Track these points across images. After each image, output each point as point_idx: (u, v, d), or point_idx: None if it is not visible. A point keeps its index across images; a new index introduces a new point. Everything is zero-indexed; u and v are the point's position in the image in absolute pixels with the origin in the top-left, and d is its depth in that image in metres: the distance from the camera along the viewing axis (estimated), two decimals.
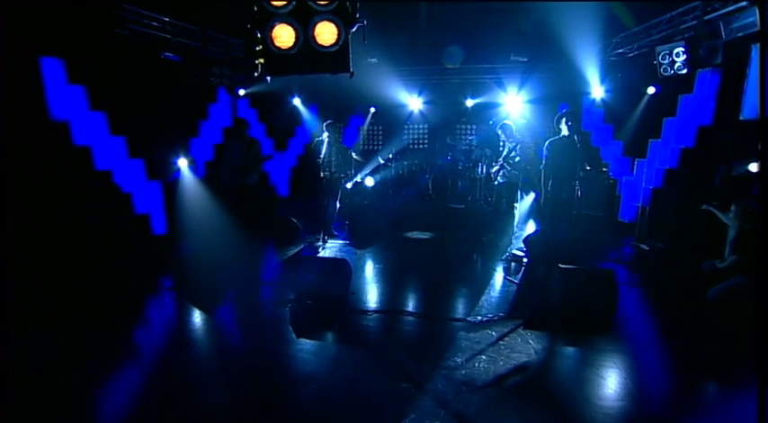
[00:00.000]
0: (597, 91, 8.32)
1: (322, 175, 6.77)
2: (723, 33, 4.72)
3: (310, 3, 2.46)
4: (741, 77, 4.98)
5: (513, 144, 6.39)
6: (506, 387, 2.95)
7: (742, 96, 4.83)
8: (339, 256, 6.10)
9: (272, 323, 4.07)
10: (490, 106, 10.06)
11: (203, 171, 7.35)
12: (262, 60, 2.44)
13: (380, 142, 11.40)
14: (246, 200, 6.19)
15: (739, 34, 4.77)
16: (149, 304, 4.52)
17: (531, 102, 9.64)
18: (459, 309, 4.48)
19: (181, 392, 2.95)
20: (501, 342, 3.58)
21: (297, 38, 2.47)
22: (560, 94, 9.24)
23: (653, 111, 7.16)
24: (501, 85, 9.68)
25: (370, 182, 9.08)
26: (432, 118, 10.80)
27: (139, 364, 3.38)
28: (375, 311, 4.25)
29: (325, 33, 2.44)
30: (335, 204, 7.14)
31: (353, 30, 2.47)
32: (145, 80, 6.06)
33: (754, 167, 5.00)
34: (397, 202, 9.28)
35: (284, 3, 2.46)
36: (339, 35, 2.45)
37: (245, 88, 8.14)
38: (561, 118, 5.26)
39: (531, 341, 3.60)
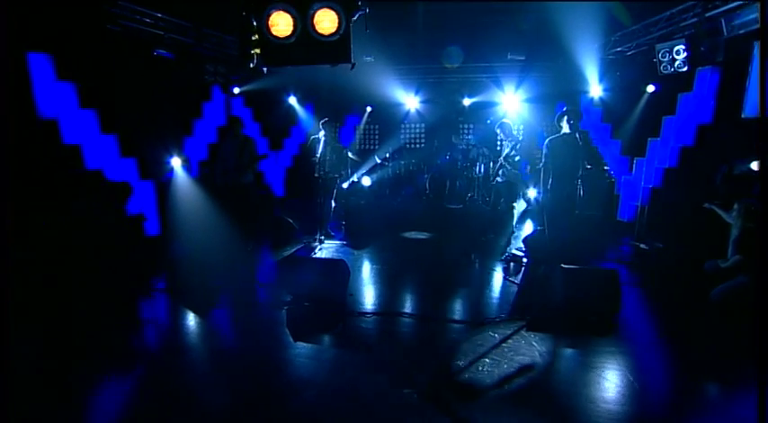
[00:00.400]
0: (595, 90, 8.27)
1: (316, 174, 6.65)
2: (725, 30, 4.66)
3: None
4: (742, 75, 4.93)
5: (513, 143, 6.32)
6: (511, 391, 2.86)
7: (744, 94, 4.78)
8: (336, 257, 5.99)
9: (268, 326, 3.95)
10: (487, 105, 10.01)
11: (197, 170, 7.22)
12: (258, 50, 2.32)
13: (377, 141, 11.30)
14: (241, 199, 6.06)
15: (741, 31, 4.72)
16: (142, 307, 4.39)
17: (529, 100, 9.60)
18: (460, 310, 4.40)
19: (173, 399, 2.83)
20: (504, 344, 3.49)
21: (295, 26, 2.34)
22: (558, 93, 9.19)
23: (652, 109, 7.13)
24: (498, 83, 9.62)
25: (366, 181, 8.98)
26: (429, 117, 10.72)
27: (130, 369, 3.25)
28: (374, 313, 4.15)
29: (325, 21, 2.31)
30: (331, 204, 7.02)
31: (355, 18, 2.34)
32: (137, 77, 5.92)
33: (755, 166, 4.95)
34: (394, 202, 9.19)
35: None
36: (340, 23, 2.32)
37: (239, 86, 8.02)
38: (563, 116, 5.18)
39: (534, 343, 3.51)
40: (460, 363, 3.20)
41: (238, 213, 5.93)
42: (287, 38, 2.34)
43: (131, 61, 5.82)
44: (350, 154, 8.81)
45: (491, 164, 8.36)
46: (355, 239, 7.00)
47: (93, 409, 2.81)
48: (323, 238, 6.80)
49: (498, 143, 9.99)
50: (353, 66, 2.44)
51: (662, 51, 5.84)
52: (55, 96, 4.84)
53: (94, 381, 3.03)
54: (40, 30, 4.61)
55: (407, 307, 4.39)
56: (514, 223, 6.96)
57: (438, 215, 8.38)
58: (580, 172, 5.04)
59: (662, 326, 4.11)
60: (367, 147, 11.25)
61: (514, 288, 5.13)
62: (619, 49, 7.36)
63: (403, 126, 11.14)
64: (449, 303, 4.57)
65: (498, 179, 6.57)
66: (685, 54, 5.57)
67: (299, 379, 3.08)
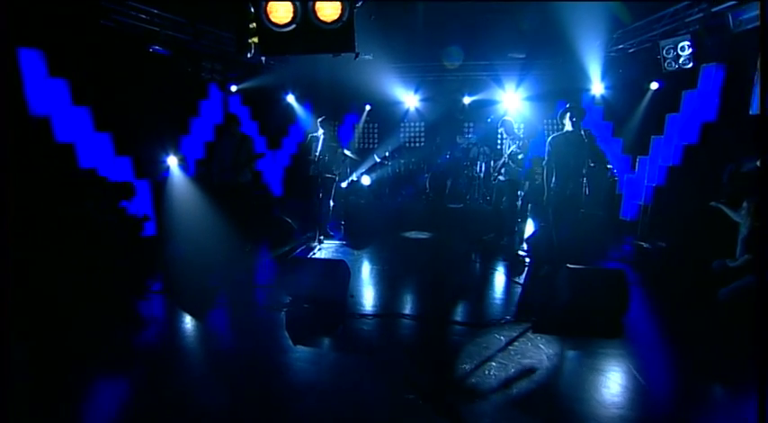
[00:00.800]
0: (597, 87, 8.18)
1: (312, 173, 6.54)
2: (732, 25, 4.57)
3: None
4: (749, 71, 4.84)
5: (517, 141, 6.23)
6: (520, 396, 2.76)
7: (752, 90, 4.69)
8: (336, 257, 5.88)
9: (266, 328, 3.84)
10: (488, 103, 9.91)
11: (194, 169, 7.09)
12: (255, 39, 2.19)
13: (376, 140, 11.18)
14: (239, 199, 5.94)
15: (749, 26, 4.62)
16: (137, 309, 4.26)
17: (530, 99, 9.51)
18: (464, 311, 4.30)
19: (169, 404, 2.72)
20: (510, 347, 3.39)
21: (295, 13, 2.20)
22: (559, 91, 9.11)
23: (655, 107, 7.04)
24: (499, 82, 9.53)
25: (366, 181, 8.87)
26: (428, 116, 10.61)
27: (124, 374, 3.14)
28: (375, 315, 4.04)
29: (327, 8, 2.18)
30: (329, 203, 6.91)
31: (359, 4, 2.22)
32: (132, 74, 5.79)
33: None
34: (394, 202, 9.08)
35: None
36: (343, 10, 2.19)
37: (236, 84, 7.89)
38: (565, 113, 5.08)
39: (541, 346, 3.41)
40: (466, 366, 3.09)
41: (236, 213, 5.81)
42: (286, 25, 2.21)
43: (126, 58, 5.68)
44: (348, 153, 8.71)
45: (492, 162, 8.27)
46: (355, 239, 6.90)
47: (85, 414, 2.70)
48: (322, 238, 6.69)
49: (499, 141, 9.92)
50: (357, 55, 2.32)
51: (666, 48, 5.74)
52: (47, 93, 4.71)
53: (87, 385, 2.92)
54: (32, 25, 4.48)
55: (409, 308, 4.29)
56: (517, 222, 6.87)
57: (438, 214, 8.31)
58: (584, 170, 4.93)
59: (670, 327, 4.02)
60: (366, 146, 11.13)
61: (518, 288, 5.04)
62: (621, 47, 7.28)
63: (402, 125, 11.02)
64: (451, 304, 4.46)
65: (500, 178, 6.46)
66: (690, 50, 5.48)
67: (299, 383, 2.97)
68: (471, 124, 10.63)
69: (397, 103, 10.42)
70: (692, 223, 5.72)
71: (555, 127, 9.80)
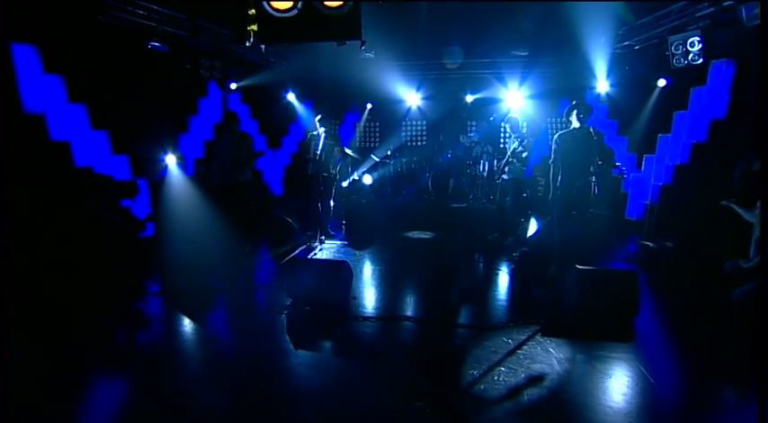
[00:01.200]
0: (602, 85, 8.06)
1: (310, 172, 6.42)
2: (745, 19, 4.45)
3: None
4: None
5: (521, 138, 6.11)
6: (531, 404, 2.64)
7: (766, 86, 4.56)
8: (338, 258, 5.77)
9: (266, 332, 3.72)
10: (490, 102, 9.80)
11: (193, 168, 6.98)
12: (254, 27, 2.07)
13: (377, 139, 11.06)
14: (239, 198, 5.83)
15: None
16: (134, 311, 4.15)
17: (533, 97, 9.39)
18: (469, 314, 4.19)
19: (164, 410, 2.61)
20: (519, 351, 3.27)
21: None
22: (563, 89, 8.99)
23: (663, 104, 6.92)
24: (501, 80, 9.41)
25: (368, 179, 8.75)
26: (430, 114, 10.49)
27: (120, 377, 3.03)
28: (379, 318, 3.92)
29: None
30: (330, 203, 6.78)
31: None
32: (129, 71, 5.68)
33: None
34: (396, 201, 8.97)
35: None
36: None
37: (236, 82, 7.77)
38: (572, 110, 4.96)
39: (551, 349, 3.30)
40: (474, 372, 2.98)
41: (236, 213, 5.70)
42: (287, 11, 2.08)
43: (123, 54, 5.57)
44: (349, 151, 8.59)
45: (495, 161, 8.16)
46: (356, 240, 6.79)
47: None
48: (323, 238, 6.58)
49: (502, 140, 9.80)
50: (363, 43, 2.19)
51: (675, 43, 5.62)
52: (41, 90, 4.59)
53: (80, 389, 2.81)
54: (26, 20, 4.37)
55: (413, 311, 4.18)
56: (521, 221, 6.75)
57: (441, 214, 8.19)
58: (592, 168, 4.81)
59: (683, 330, 3.90)
60: (367, 144, 11.01)
61: (524, 289, 4.93)
62: (627, 43, 7.16)
63: (404, 123, 10.90)
64: (456, 306, 4.35)
65: (504, 176, 6.34)
66: (700, 46, 5.36)
67: (300, 390, 2.86)
68: (474, 123, 10.51)
69: (399, 102, 10.30)
70: (700, 223, 5.60)
71: (558, 125, 9.70)
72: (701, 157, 6.17)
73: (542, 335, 3.55)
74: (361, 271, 5.31)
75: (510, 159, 6.13)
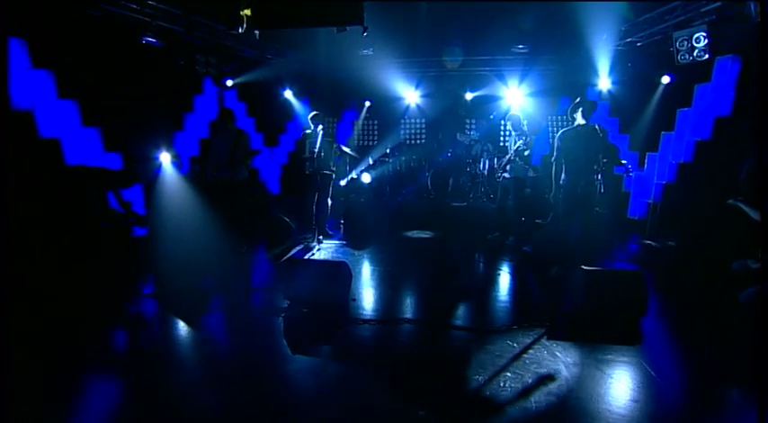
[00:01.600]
0: (604, 82, 7.95)
1: (308, 171, 6.29)
2: (754, 14, 4.35)
3: None
4: None
5: (523, 136, 6.00)
6: (539, 412, 2.52)
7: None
8: (336, 258, 5.65)
9: (263, 335, 3.60)
10: (490, 100, 9.69)
11: (188, 167, 6.84)
12: (248, 12, 1.93)
13: (376, 138, 10.93)
14: (235, 197, 5.70)
15: None
16: (126, 314, 4.01)
17: (533, 95, 9.28)
18: (472, 316, 4.07)
19: (156, 420, 2.48)
20: (525, 355, 3.16)
21: None
22: (564, 87, 8.89)
23: (666, 102, 6.82)
24: (502, 77, 9.30)
25: (366, 178, 8.62)
26: (429, 112, 10.37)
27: (109, 384, 2.90)
28: (379, 321, 3.79)
29: None
30: (328, 201, 6.65)
31: None
32: (122, 67, 5.54)
33: None
34: (395, 200, 8.84)
35: None
36: None
37: (232, 79, 7.64)
38: (577, 107, 4.85)
39: (558, 353, 3.18)
40: (479, 377, 2.86)
41: (231, 212, 5.57)
42: None
43: (116, 49, 5.43)
44: (347, 149, 8.45)
45: (495, 160, 8.04)
46: (355, 239, 6.67)
47: None
48: (321, 237, 6.45)
49: (502, 138, 9.69)
50: (365, 29, 2.05)
51: (680, 39, 5.52)
52: (30, 85, 4.45)
53: (69, 396, 2.67)
54: (13, 13, 4.22)
55: (415, 313, 4.06)
56: (523, 220, 6.65)
57: (441, 213, 8.09)
58: (596, 167, 4.70)
59: (691, 332, 3.78)
60: (366, 143, 10.88)
61: (527, 290, 4.82)
62: (629, 40, 7.05)
63: (403, 121, 10.77)
64: (458, 308, 4.24)
65: (506, 175, 6.23)
66: (706, 41, 5.26)
67: (298, 398, 2.73)
68: (473, 121, 10.39)
69: (398, 100, 10.18)
70: (704, 222, 5.52)
71: (560, 123, 9.60)
72: (705, 155, 6.08)
73: (548, 338, 3.43)
74: (360, 272, 5.19)
75: (512, 158, 6.01)
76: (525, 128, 6.36)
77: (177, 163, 6.20)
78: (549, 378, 2.86)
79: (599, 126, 4.74)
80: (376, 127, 10.99)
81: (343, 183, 8.73)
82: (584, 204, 4.87)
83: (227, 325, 3.92)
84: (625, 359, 3.12)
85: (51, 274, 4.24)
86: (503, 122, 8.51)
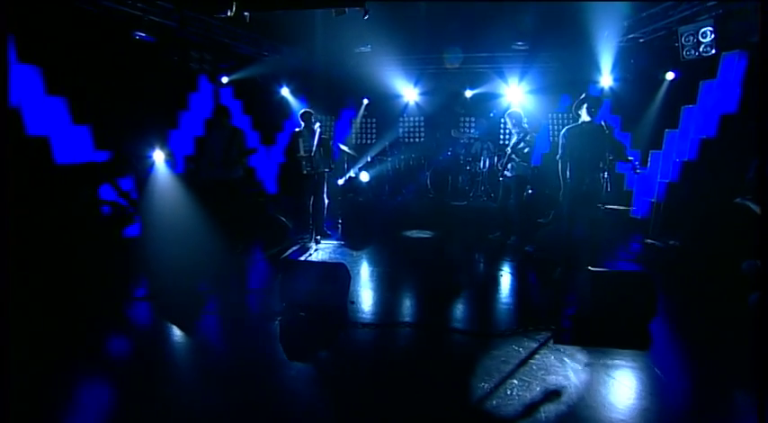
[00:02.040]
0: (605, 79, 7.82)
1: (305, 170, 6.16)
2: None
3: None
4: None
5: (522, 133, 5.87)
6: (549, 421, 2.40)
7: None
8: (334, 259, 5.51)
9: (258, 340, 3.46)
10: (490, 97, 9.54)
11: (183, 166, 6.69)
12: None
13: (374, 136, 10.78)
14: (230, 196, 5.56)
15: None
16: (117, 317, 3.87)
17: (533, 92, 9.15)
18: (475, 319, 3.94)
19: None
20: (531, 361, 3.03)
21: None
22: (564, 84, 8.76)
23: (670, 99, 6.71)
24: (501, 74, 9.16)
25: (365, 177, 8.47)
26: (428, 110, 10.22)
27: (99, 390, 2.76)
28: (380, 325, 3.66)
29: None
30: (325, 200, 6.51)
31: None
32: (114, 62, 5.38)
33: None
34: (394, 199, 8.71)
35: None
36: None
37: (227, 75, 7.48)
38: (582, 103, 4.73)
39: (566, 359, 3.06)
40: (484, 385, 2.73)
41: (227, 211, 5.43)
42: None
43: (107, 44, 5.27)
44: (345, 148, 8.31)
45: (496, 158, 7.92)
46: (353, 239, 6.54)
47: None
48: (319, 238, 6.31)
49: (502, 136, 9.56)
50: (366, 12, 1.92)
51: (686, 34, 5.40)
52: (16, 81, 4.29)
53: (56, 398, 2.54)
54: None
55: (416, 316, 3.92)
56: (525, 220, 6.51)
57: (441, 213, 7.96)
58: (602, 164, 4.58)
59: (700, 335, 3.67)
60: (364, 141, 10.74)
61: (530, 292, 4.70)
62: (632, 36, 6.93)
63: (401, 119, 10.63)
64: (460, 311, 4.12)
65: (507, 173, 6.10)
66: (712, 36, 5.14)
67: (297, 409, 2.59)
68: (472, 119, 10.26)
69: (396, 97, 10.03)
70: (709, 221, 5.41)
71: (561, 121, 9.47)
72: (709, 153, 5.96)
73: (555, 342, 3.31)
74: (358, 273, 5.05)
75: (511, 156, 5.88)
76: (526, 125, 6.24)
77: (171, 161, 6.05)
78: (557, 385, 2.74)
79: (605, 122, 4.62)
80: (374, 125, 10.84)
81: (340, 182, 8.59)
82: (590, 202, 4.75)
83: (221, 329, 3.79)
84: (635, 364, 3.01)
85: (42, 276, 4.10)
86: (503, 120, 8.38)
